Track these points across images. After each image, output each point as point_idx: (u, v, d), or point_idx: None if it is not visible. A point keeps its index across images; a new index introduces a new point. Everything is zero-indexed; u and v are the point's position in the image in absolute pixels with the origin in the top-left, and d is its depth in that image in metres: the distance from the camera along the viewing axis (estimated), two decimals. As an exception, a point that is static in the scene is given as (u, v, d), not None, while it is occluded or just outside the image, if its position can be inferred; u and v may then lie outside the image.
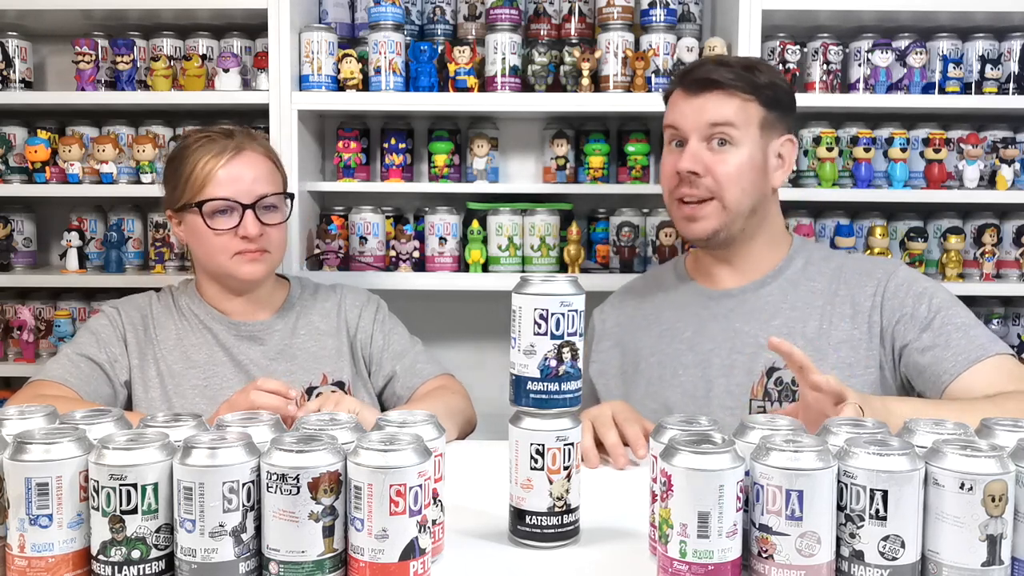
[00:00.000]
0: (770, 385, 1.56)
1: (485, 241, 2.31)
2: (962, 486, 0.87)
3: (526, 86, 2.28)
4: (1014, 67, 2.25)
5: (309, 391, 1.67)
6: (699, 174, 1.55)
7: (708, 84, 1.56)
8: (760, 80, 1.57)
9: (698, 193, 1.57)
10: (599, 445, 1.44)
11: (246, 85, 2.29)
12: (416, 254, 2.34)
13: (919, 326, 1.53)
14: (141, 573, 0.90)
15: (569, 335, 1.03)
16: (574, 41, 2.33)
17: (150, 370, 1.65)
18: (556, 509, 1.05)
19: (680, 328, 1.66)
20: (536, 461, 1.04)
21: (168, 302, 1.72)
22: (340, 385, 1.69)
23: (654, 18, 2.27)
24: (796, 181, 2.32)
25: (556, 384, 1.03)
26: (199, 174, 1.60)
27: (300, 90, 2.24)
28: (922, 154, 2.28)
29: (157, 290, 1.77)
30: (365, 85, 2.26)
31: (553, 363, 1.03)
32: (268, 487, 0.89)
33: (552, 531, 1.06)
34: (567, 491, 1.05)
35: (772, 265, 1.65)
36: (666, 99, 1.67)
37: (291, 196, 1.71)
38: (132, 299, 1.74)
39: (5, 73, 2.31)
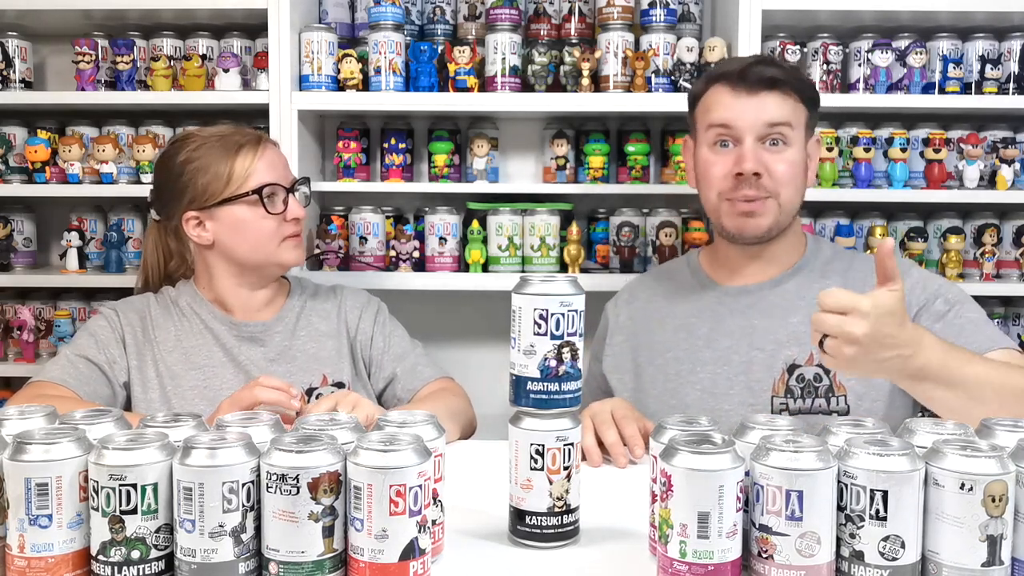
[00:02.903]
0: (792, 382, 1.56)
1: (485, 241, 2.31)
2: (962, 486, 0.87)
3: (526, 86, 2.28)
4: (1014, 67, 2.25)
5: (309, 392, 1.67)
6: (761, 175, 1.55)
7: (767, 83, 1.56)
8: (806, 80, 1.61)
9: (758, 193, 1.56)
10: (600, 443, 1.44)
11: (246, 85, 2.29)
12: (416, 254, 2.34)
13: (933, 318, 1.54)
14: (141, 573, 0.90)
15: (569, 335, 1.03)
16: (574, 41, 2.33)
17: (149, 371, 1.65)
18: (556, 509, 1.05)
19: (696, 324, 1.66)
20: (536, 461, 1.04)
21: (166, 303, 1.72)
22: (340, 386, 1.69)
23: (654, 18, 2.27)
24: (796, 181, 2.32)
25: (556, 384, 1.03)
26: (241, 165, 1.62)
27: (300, 90, 2.24)
28: (922, 154, 2.28)
29: (156, 291, 1.77)
30: (365, 85, 2.26)
31: (553, 363, 1.03)
32: (268, 487, 0.89)
33: (552, 531, 1.06)
34: (567, 491, 1.05)
35: (791, 262, 1.66)
36: (695, 99, 1.64)
37: (307, 179, 1.76)
38: (130, 301, 1.74)
39: (5, 73, 2.31)
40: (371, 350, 1.76)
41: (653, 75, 2.25)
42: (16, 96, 2.32)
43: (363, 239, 2.32)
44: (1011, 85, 2.25)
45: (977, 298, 1.67)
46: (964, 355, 1.29)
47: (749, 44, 2.13)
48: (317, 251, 2.32)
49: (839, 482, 0.89)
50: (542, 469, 1.04)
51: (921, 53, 2.23)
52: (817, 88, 1.67)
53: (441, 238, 2.32)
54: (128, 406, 1.65)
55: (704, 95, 1.62)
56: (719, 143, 1.58)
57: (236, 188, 1.62)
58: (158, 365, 1.65)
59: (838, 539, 0.90)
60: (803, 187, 1.62)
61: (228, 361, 1.67)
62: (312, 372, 1.70)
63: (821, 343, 1.20)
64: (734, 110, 1.56)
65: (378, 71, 2.23)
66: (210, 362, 1.66)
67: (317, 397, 1.66)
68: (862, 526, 0.88)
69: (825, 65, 2.26)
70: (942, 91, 2.26)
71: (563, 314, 1.02)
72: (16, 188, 2.34)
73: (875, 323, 1.18)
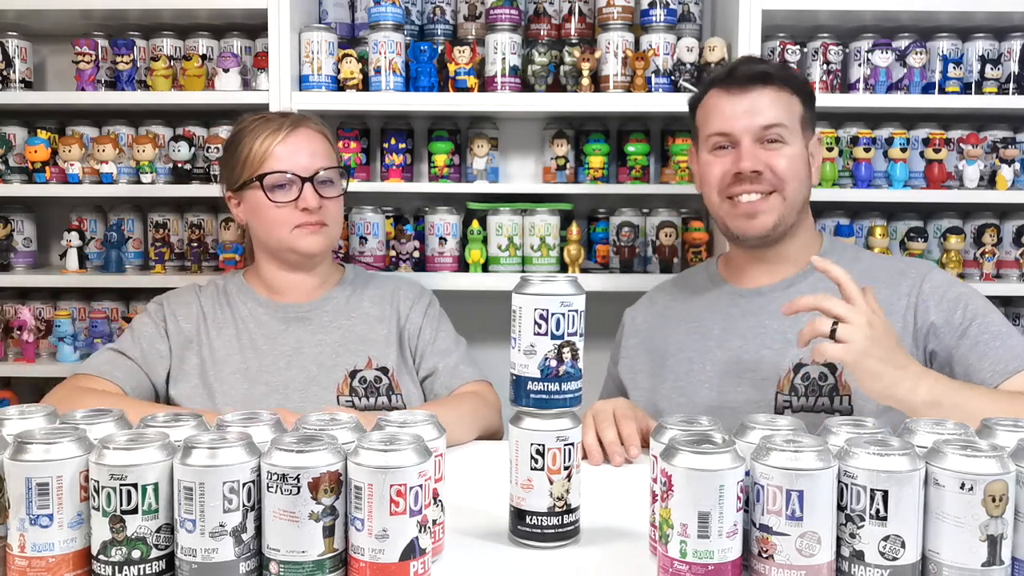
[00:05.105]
0: (796, 380, 1.56)
1: (485, 241, 2.31)
2: (962, 486, 0.87)
3: (526, 86, 2.28)
4: (1014, 67, 2.25)
5: (353, 374, 1.69)
6: (760, 172, 1.56)
7: (756, 78, 1.58)
8: (798, 76, 1.63)
9: (761, 188, 1.58)
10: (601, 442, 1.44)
11: (246, 85, 2.29)
12: (416, 254, 2.34)
13: (955, 333, 1.53)
14: (141, 573, 0.90)
15: (569, 335, 1.03)
16: (574, 41, 2.33)
17: (192, 359, 1.68)
18: (556, 509, 1.05)
19: (708, 325, 1.67)
20: (536, 461, 1.04)
21: (213, 292, 1.76)
22: (384, 371, 1.71)
23: (654, 18, 2.27)
24: (796, 181, 2.33)
25: (556, 384, 1.03)
26: (258, 151, 1.66)
27: (300, 90, 2.24)
28: (922, 154, 2.28)
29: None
30: (365, 85, 2.26)
31: (553, 363, 1.03)
32: (268, 487, 0.89)
33: (552, 531, 1.06)
34: (567, 491, 1.05)
35: (803, 263, 1.65)
36: (694, 106, 1.67)
37: (347, 169, 1.78)
38: (179, 292, 1.78)
39: (5, 73, 2.31)
40: (418, 341, 1.78)
41: (653, 75, 2.25)
42: (16, 96, 2.32)
43: (363, 239, 2.32)
44: (1011, 85, 2.25)
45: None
46: (971, 389, 1.36)
47: (749, 44, 2.13)
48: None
49: (839, 482, 0.89)
50: (542, 469, 1.04)
51: (921, 53, 2.23)
52: (809, 84, 1.71)
53: (441, 238, 2.32)
54: (167, 394, 1.68)
55: (702, 102, 1.65)
56: (719, 147, 1.61)
57: (251, 172, 1.66)
58: (202, 351, 1.68)
59: (838, 539, 0.90)
60: (808, 182, 1.63)
61: (270, 349, 1.69)
62: (357, 353, 1.71)
63: (833, 334, 1.28)
64: (729, 116, 1.58)
65: (378, 71, 2.23)
66: (253, 345, 1.69)
67: (361, 380, 1.68)
68: (862, 526, 0.88)
69: (825, 65, 2.26)
70: (942, 91, 2.26)
71: (563, 314, 1.02)
72: (16, 188, 2.34)
73: (875, 316, 1.30)
